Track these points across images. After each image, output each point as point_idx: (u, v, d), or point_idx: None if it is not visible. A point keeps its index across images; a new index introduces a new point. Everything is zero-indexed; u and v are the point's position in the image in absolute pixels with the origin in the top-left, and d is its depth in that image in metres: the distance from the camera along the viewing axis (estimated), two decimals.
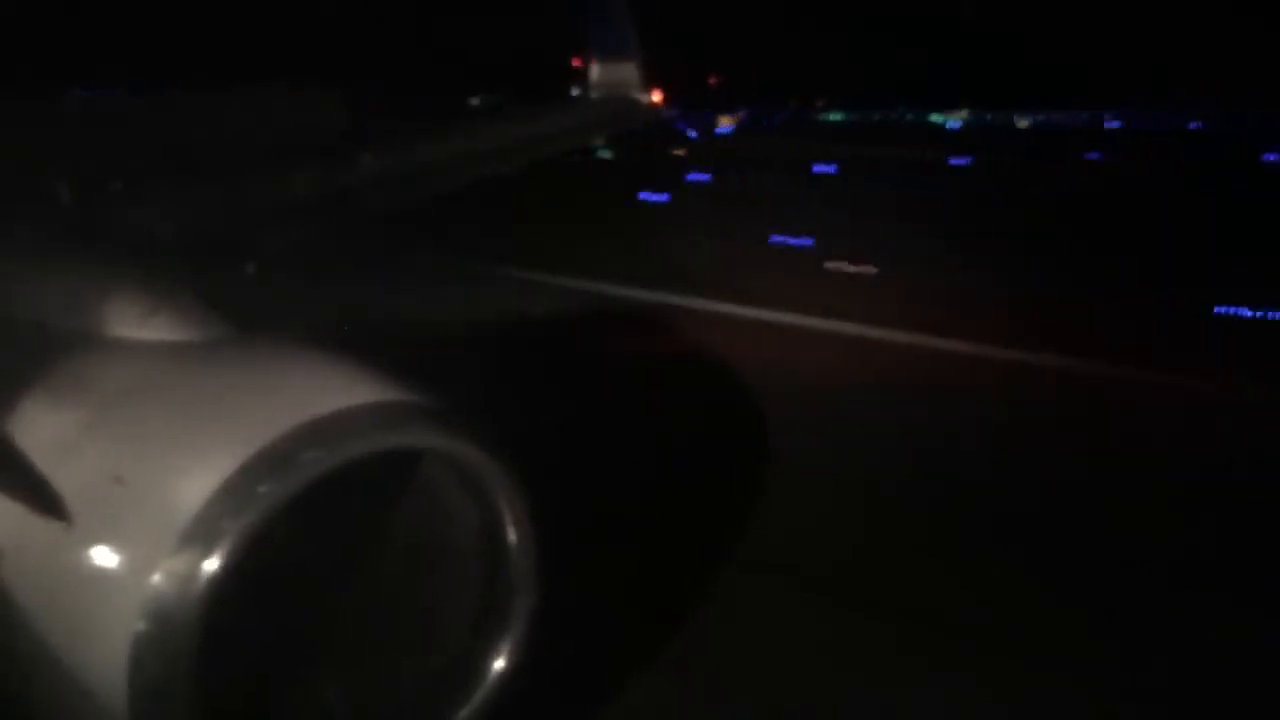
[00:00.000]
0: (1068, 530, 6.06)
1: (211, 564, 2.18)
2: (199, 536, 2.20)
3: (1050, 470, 7.00)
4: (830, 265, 13.33)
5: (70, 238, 3.90)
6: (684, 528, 5.92)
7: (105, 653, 2.19)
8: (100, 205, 4.45)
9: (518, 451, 2.71)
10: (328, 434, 2.37)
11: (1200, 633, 4.92)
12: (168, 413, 2.50)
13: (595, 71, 9.55)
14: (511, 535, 2.65)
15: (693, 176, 19.69)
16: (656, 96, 9.78)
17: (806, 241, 14.74)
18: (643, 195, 18.04)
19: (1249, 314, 10.96)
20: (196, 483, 2.25)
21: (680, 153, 20.87)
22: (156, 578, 2.18)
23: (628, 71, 9.51)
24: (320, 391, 2.49)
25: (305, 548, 2.49)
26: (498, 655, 2.69)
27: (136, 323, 2.82)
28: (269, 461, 2.27)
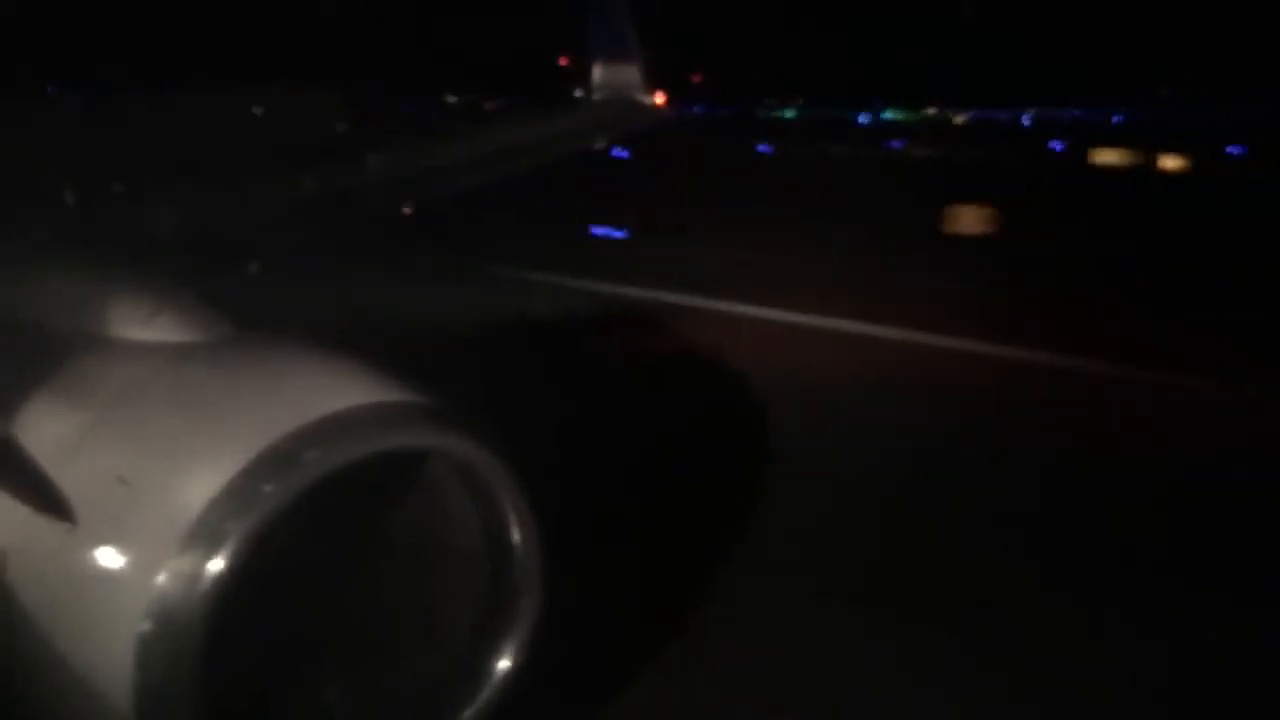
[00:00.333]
0: (1068, 530, 6.07)
1: (215, 564, 2.19)
2: (202, 537, 2.20)
3: (1050, 470, 7.01)
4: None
5: (72, 238, 3.90)
6: (684, 528, 5.93)
7: (109, 653, 2.20)
8: (102, 206, 4.45)
9: (519, 451, 2.71)
10: (330, 434, 2.37)
11: (1200, 632, 4.93)
12: (171, 413, 2.50)
13: (597, 73, 9.56)
14: (516, 535, 2.65)
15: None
16: (659, 98, 9.79)
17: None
18: None
19: None
20: (200, 483, 2.25)
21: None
22: (160, 578, 2.19)
23: (630, 73, 9.52)
24: (323, 392, 2.49)
25: (308, 548, 2.49)
26: (502, 656, 2.69)
27: (139, 323, 2.82)
28: (272, 462, 2.28)
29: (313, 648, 2.69)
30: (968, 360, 9.93)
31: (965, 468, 6.97)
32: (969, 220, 18.08)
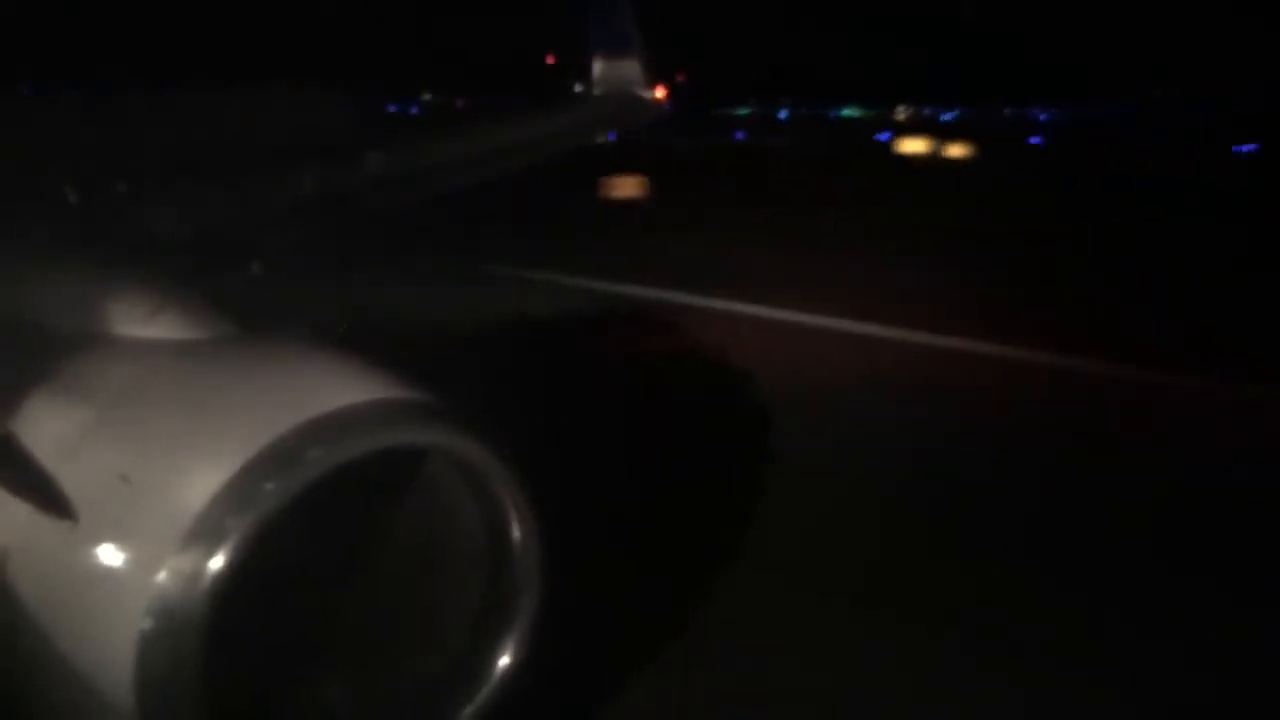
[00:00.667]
0: (1068, 530, 6.07)
1: (217, 562, 2.19)
2: (204, 534, 2.20)
3: (1050, 470, 7.01)
4: None
5: (73, 238, 3.90)
6: (684, 528, 5.92)
7: (111, 650, 2.20)
8: (103, 205, 4.45)
9: (519, 450, 2.71)
10: (331, 432, 2.37)
11: (1200, 632, 4.93)
12: (172, 411, 2.50)
13: (598, 68, 9.54)
14: (516, 533, 2.66)
15: None
16: (660, 93, 9.77)
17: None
18: None
19: None
20: (201, 481, 2.26)
21: None
22: (162, 576, 2.19)
23: (630, 68, 9.50)
24: (324, 390, 2.50)
25: (309, 546, 2.50)
26: (502, 654, 2.69)
27: (140, 322, 2.82)
28: (273, 460, 2.28)
29: (313, 646, 2.69)
30: (967, 360, 9.92)
31: (965, 468, 6.96)
32: (624, 187, 21.48)
